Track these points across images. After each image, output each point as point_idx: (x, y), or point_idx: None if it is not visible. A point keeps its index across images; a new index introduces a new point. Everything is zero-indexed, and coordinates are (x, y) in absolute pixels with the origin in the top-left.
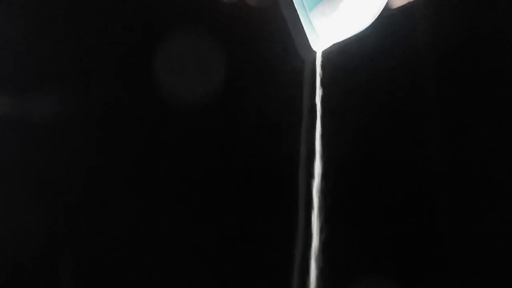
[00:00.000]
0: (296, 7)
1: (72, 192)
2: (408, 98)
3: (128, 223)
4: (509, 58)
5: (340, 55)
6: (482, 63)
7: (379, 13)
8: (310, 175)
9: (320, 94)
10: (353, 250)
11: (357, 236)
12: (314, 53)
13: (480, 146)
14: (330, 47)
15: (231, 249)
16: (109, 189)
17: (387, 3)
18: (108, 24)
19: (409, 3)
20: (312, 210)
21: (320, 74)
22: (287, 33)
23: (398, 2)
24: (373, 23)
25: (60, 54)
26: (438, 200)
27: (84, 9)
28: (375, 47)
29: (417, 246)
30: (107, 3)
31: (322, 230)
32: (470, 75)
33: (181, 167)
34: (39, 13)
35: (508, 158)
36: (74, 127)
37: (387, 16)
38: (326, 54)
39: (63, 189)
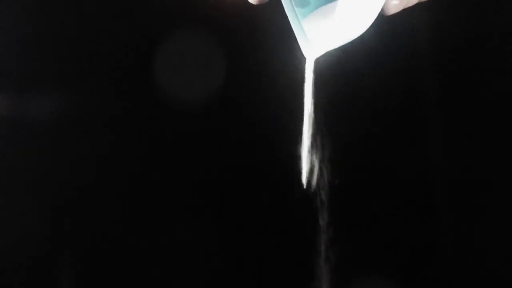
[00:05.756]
0: (288, 15)
1: (73, 192)
2: (408, 100)
3: (129, 224)
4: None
5: (336, 57)
6: (483, 64)
7: (373, 21)
8: (311, 176)
9: (313, 97)
10: (353, 251)
11: (355, 237)
12: (306, 60)
13: (481, 148)
14: (323, 55)
15: (231, 249)
16: (109, 189)
17: (381, 11)
18: (108, 23)
19: (403, 10)
20: (311, 212)
21: (313, 79)
22: (290, 33)
23: (392, 9)
24: (371, 25)
25: (60, 54)
26: (439, 204)
27: (84, 9)
28: (373, 48)
29: (418, 249)
30: (107, 3)
31: (321, 232)
32: (471, 77)
33: (181, 167)
34: (39, 13)
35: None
36: (74, 127)
37: (386, 17)
38: (321, 57)
39: (64, 189)
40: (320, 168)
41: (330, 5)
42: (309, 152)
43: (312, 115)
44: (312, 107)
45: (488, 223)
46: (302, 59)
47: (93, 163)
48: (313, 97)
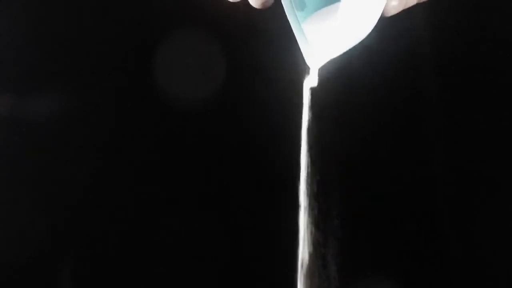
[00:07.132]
0: (289, 18)
1: (73, 192)
2: (409, 102)
3: (129, 223)
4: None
5: (336, 58)
6: (484, 65)
7: (375, 23)
8: (310, 178)
9: (313, 98)
10: (353, 251)
11: (355, 238)
12: (309, 69)
13: (482, 148)
14: (326, 64)
15: (231, 250)
16: (110, 188)
17: (382, 13)
18: (108, 23)
19: (403, 12)
20: (311, 213)
21: (313, 84)
22: (290, 35)
23: (391, 11)
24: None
25: (60, 54)
26: (440, 204)
27: (84, 9)
28: (373, 50)
29: (419, 249)
30: (107, 3)
31: (321, 232)
32: (472, 78)
33: (180, 167)
34: (39, 13)
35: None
36: (74, 127)
37: (385, 19)
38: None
39: (64, 189)
40: (320, 169)
41: (331, 7)
42: (308, 153)
43: (312, 116)
44: (312, 108)
45: (489, 223)
46: (301, 60)
47: (93, 163)
48: (312, 98)
